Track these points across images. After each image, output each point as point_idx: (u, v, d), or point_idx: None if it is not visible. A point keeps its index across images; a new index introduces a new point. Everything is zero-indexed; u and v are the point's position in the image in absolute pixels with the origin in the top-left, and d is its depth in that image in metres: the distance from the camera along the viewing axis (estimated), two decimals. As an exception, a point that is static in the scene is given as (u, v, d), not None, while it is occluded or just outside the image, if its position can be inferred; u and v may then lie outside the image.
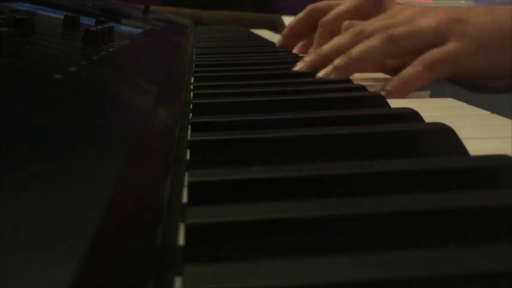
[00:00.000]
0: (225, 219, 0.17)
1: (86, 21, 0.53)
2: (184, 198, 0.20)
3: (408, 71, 0.44)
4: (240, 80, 0.45)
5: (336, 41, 0.51)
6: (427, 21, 0.47)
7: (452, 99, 0.41)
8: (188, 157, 0.24)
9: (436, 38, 0.46)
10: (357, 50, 0.47)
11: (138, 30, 0.66)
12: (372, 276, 0.14)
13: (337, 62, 0.47)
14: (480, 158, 0.23)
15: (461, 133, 0.26)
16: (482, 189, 0.20)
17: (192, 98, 0.37)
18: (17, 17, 0.34)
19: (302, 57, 0.63)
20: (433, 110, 0.37)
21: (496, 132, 0.31)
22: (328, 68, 0.47)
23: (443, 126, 0.26)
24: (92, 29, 0.38)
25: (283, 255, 0.15)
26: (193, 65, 0.55)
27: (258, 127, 0.28)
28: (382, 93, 0.43)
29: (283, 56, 0.65)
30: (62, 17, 0.47)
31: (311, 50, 0.60)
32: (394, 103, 0.35)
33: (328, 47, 0.51)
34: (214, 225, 0.16)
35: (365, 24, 0.50)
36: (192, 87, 0.42)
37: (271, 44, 0.83)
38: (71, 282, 0.09)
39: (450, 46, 0.45)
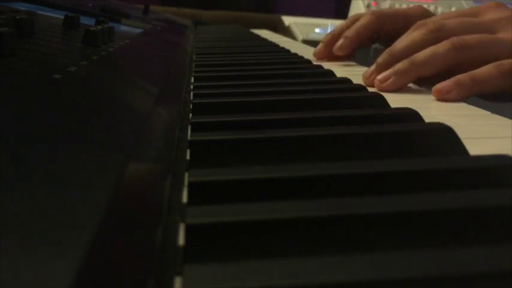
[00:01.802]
0: (225, 219, 0.17)
1: (86, 21, 0.53)
2: (184, 198, 0.20)
3: (482, 70, 0.41)
4: (240, 80, 0.45)
5: (410, 38, 0.47)
6: (506, 34, 0.44)
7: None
8: (188, 157, 0.24)
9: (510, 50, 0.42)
10: (421, 55, 0.44)
11: (138, 30, 0.66)
12: (372, 276, 0.14)
13: (398, 66, 0.45)
14: (480, 158, 0.23)
15: (461, 133, 0.26)
16: (482, 189, 0.20)
17: (192, 98, 0.37)
18: (17, 17, 0.34)
19: (302, 57, 0.63)
20: (433, 109, 0.37)
21: (496, 132, 0.31)
22: (388, 72, 0.45)
23: (443, 126, 0.26)
24: (92, 29, 0.38)
25: (284, 255, 0.15)
26: (193, 65, 0.55)
27: (258, 127, 0.28)
28: (447, 84, 0.40)
29: (283, 56, 0.65)
30: (62, 17, 0.47)
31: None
32: (394, 103, 0.35)
33: (400, 46, 0.47)
34: (214, 225, 0.16)
35: (444, 21, 0.47)
36: (192, 87, 0.42)
37: (271, 44, 0.83)
38: (71, 282, 0.09)
39: None
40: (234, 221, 0.17)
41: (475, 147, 0.25)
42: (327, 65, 0.54)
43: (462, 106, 0.39)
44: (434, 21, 0.48)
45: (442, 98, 0.41)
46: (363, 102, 0.36)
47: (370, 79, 0.47)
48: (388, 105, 0.35)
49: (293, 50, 0.70)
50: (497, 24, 0.46)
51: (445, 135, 0.26)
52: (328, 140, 0.26)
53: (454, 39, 0.44)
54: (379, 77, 0.45)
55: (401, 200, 0.18)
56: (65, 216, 0.12)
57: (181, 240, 0.16)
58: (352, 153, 0.25)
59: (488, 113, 0.36)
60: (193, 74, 0.48)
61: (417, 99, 0.43)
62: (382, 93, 0.36)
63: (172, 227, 0.17)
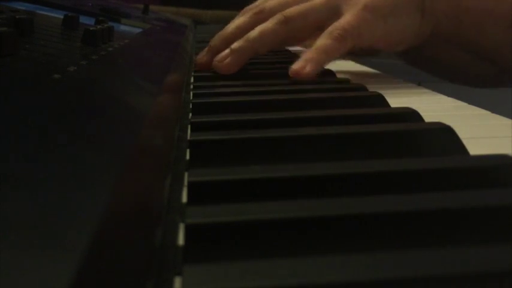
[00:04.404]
0: (224, 219, 0.17)
1: (86, 20, 0.53)
2: (184, 198, 0.20)
3: (320, 43, 0.44)
4: (240, 80, 0.45)
5: (236, 23, 0.52)
6: None
7: (452, 99, 0.41)
8: (188, 157, 0.24)
9: (330, 11, 0.47)
10: (253, 33, 0.48)
11: (138, 30, 0.66)
12: (372, 276, 0.14)
13: (234, 45, 0.47)
14: (480, 158, 0.23)
15: (461, 133, 0.26)
16: (482, 189, 0.20)
17: (191, 97, 0.37)
18: (17, 16, 0.34)
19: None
20: (433, 109, 0.37)
21: (496, 132, 0.31)
22: (225, 52, 0.48)
23: (443, 126, 0.26)
24: (91, 28, 0.38)
25: (283, 255, 0.15)
26: (193, 64, 0.55)
27: (258, 127, 0.28)
28: (300, 64, 0.44)
29: (283, 56, 0.65)
30: (62, 16, 0.47)
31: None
32: (395, 103, 0.35)
33: (228, 30, 0.51)
34: (213, 225, 0.16)
35: (264, 4, 0.52)
36: (191, 87, 0.41)
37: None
38: (71, 282, 0.09)
39: (348, 17, 0.45)
40: (233, 221, 0.17)
41: (475, 147, 0.25)
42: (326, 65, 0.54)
43: (462, 106, 0.39)
44: (256, 5, 0.53)
45: (300, 76, 0.44)
46: (363, 101, 0.36)
47: (203, 61, 0.50)
48: (388, 105, 0.35)
49: (293, 50, 0.70)
50: None
51: (445, 134, 0.26)
52: (327, 140, 0.26)
53: (277, 15, 0.48)
54: (217, 58, 0.48)
55: (401, 199, 0.18)
56: (64, 216, 0.12)
57: (181, 240, 0.16)
58: (352, 153, 0.25)
59: (488, 112, 0.36)
60: (193, 73, 0.48)
61: (416, 99, 0.43)
62: (381, 93, 0.36)
63: (171, 227, 0.17)
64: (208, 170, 0.21)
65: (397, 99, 0.41)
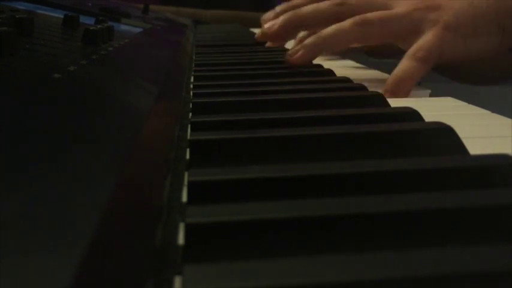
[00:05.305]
0: (224, 218, 0.17)
1: (86, 20, 0.53)
2: (184, 198, 0.20)
3: (404, 66, 0.45)
4: (240, 79, 0.44)
5: (316, 6, 0.53)
6: (400, 8, 0.48)
7: (452, 98, 0.41)
8: (188, 156, 0.24)
9: (410, 25, 0.47)
10: (327, 31, 0.48)
11: (138, 30, 0.66)
12: (372, 276, 0.14)
13: (307, 41, 0.49)
14: (480, 158, 0.23)
15: (461, 132, 0.26)
16: (482, 189, 0.20)
17: (191, 97, 0.37)
18: (17, 16, 0.34)
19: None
20: (433, 109, 0.37)
21: (496, 131, 0.31)
22: (298, 47, 0.49)
23: (444, 126, 0.26)
24: (91, 28, 0.38)
25: (283, 255, 0.15)
26: (193, 64, 0.55)
27: (258, 126, 0.28)
28: (386, 94, 0.44)
29: (283, 55, 0.65)
30: (62, 16, 0.47)
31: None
32: (394, 102, 0.35)
33: (304, 10, 0.53)
34: (214, 225, 0.16)
35: None
36: (191, 86, 0.41)
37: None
38: (71, 282, 0.09)
39: (430, 37, 0.45)
40: (233, 221, 0.17)
41: (475, 147, 0.25)
42: (326, 65, 0.54)
43: (462, 105, 0.39)
44: None
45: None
46: (363, 101, 0.36)
47: (272, 30, 0.53)
48: (388, 105, 0.35)
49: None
50: (387, 4, 0.50)
51: (445, 134, 0.26)
52: (327, 140, 0.26)
53: (356, 17, 0.48)
54: (289, 52, 0.50)
55: (401, 200, 0.18)
56: (64, 216, 0.12)
57: (181, 240, 0.16)
58: (352, 153, 0.25)
59: (488, 112, 0.36)
60: (193, 73, 0.48)
61: (417, 99, 0.43)
62: (381, 93, 0.36)
63: (172, 226, 0.17)
64: (208, 170, 0.21)
65: (397, 99, 0.41)
